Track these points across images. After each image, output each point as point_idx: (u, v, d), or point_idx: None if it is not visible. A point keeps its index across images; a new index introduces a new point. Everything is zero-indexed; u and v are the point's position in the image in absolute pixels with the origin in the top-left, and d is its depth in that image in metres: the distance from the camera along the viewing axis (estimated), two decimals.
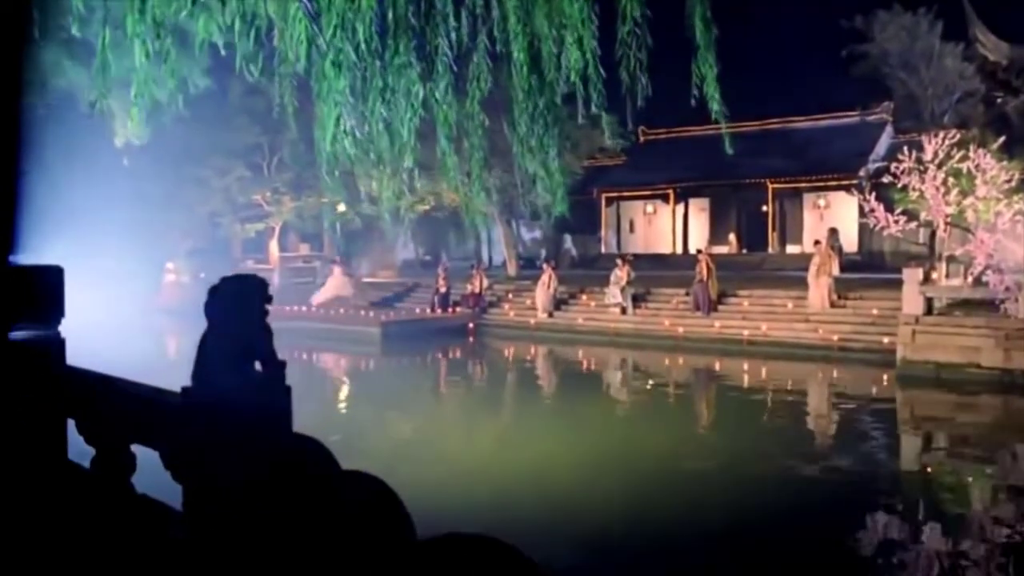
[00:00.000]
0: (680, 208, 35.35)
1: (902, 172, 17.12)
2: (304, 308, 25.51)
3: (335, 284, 26.59)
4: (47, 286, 3.62)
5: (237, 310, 2.47)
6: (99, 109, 4.37)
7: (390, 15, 3.91)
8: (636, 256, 28.02)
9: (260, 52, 4.15)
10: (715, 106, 4.87)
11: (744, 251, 33.80)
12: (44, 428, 3.50)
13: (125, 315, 24.01)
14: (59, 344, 3.67)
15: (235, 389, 2.38)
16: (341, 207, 28.50)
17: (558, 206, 5.22)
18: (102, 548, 2.93)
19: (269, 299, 2.56)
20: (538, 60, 4.54)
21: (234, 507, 2.25)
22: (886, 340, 16.75)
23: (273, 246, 31.68)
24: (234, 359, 2.44)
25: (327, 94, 3.89)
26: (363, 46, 3.74)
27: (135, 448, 3.08)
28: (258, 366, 2.52)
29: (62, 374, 3.54)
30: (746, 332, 19.26)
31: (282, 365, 2.56)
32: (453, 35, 4.46)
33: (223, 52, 4.55)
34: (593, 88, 4.58)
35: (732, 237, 34.58)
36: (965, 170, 16.37)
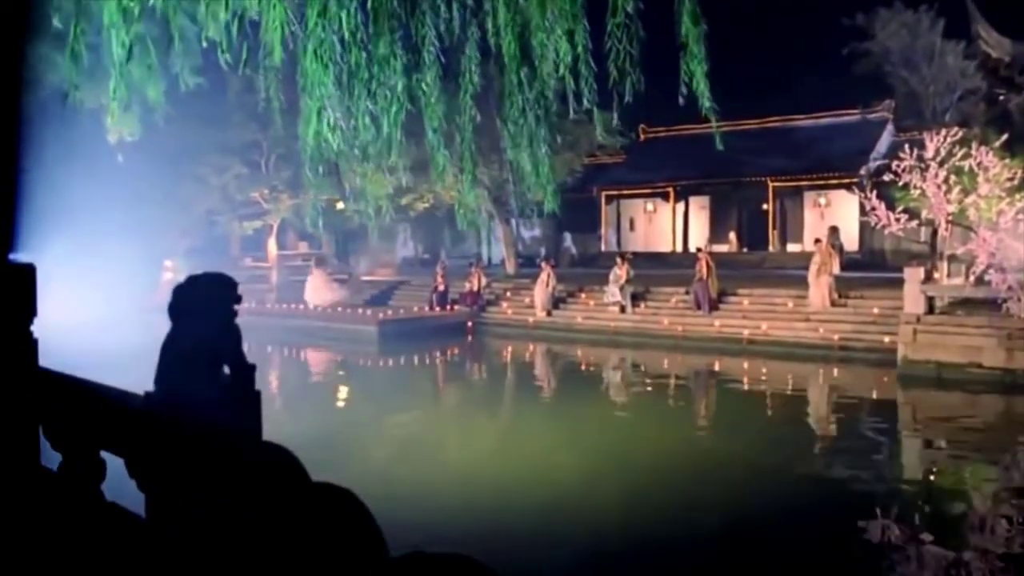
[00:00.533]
0: (680, 206, 35.21)
1: (903, 170, 16.98)
2: (302, 306, 25.42)
3: (313, 286, 26.29)
4: (18, 285, 3.48)
5: (204, 311, 2.35)
6: (72, 100, 4.25)
7: (371, 3, 3.77)
8: (636, 254, 27.88)
9: (244, 44, 4.02)
10: (705, 103, 4.74)
11: (744, 250, 33.68)
12: (14, 433, 3.38)
13: (123, 313, 23.89)
14: (31, 345, 3.54)
15: (200, 395, 2.26)
16: (340, 205, 28.33)
17: (549, 202, 5.08)
18: (64, 560, 2.80)
19: (238, 299, 2.43)
20: (528, 53, 4.41)
21: (196, 519, 2.12)
22: (887, 339, 16.60)
23: (271, 244, 31.53)
24: (200, 363, 2.31)
25: (311, 87, 3.76)
26: (347, 36, 3.61)
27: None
28: (226, 370, 2.40)
29: (33, 377, 3.41)
30: (746, 331, 19.13)
31: (251, 369, 2.43)
32: (442, 26, 4.33)
33: (204, 44, 4.42)
34: (584, 83, 4.45)
35: (732, 235, 34.46)
36: (967, 168, 16.22)
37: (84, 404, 2.98)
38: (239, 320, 2.53)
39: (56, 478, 3.28)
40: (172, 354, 2.31)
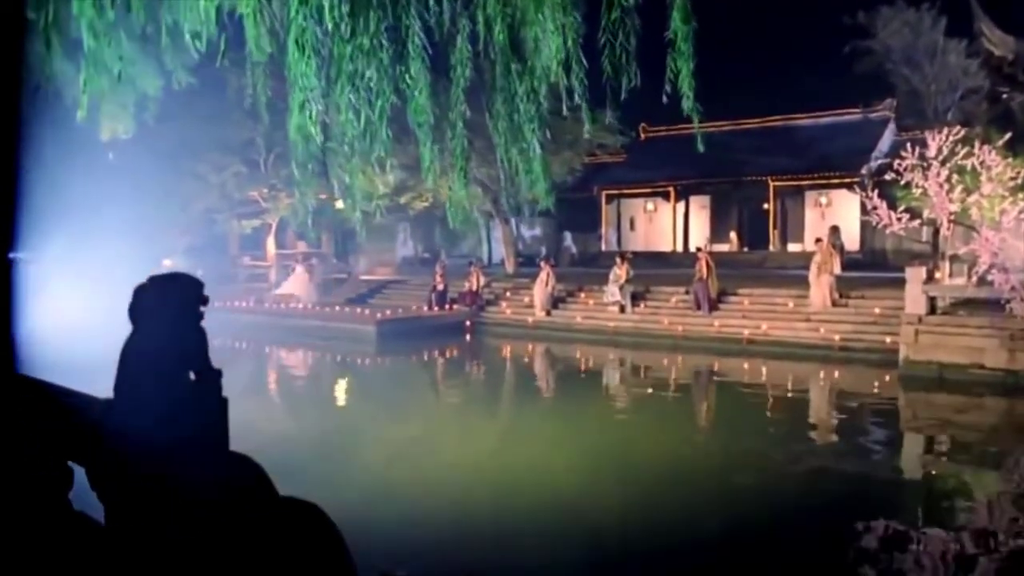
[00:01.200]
0: (681, 206, 35.09)
1: (905, 169, 16.85)
2: (300, 306, 25.35)
3: (294, 282, 26.92)
4: None
5: (167, 313, 2.22)
6: (44, 91, 4.13)
7: None
8: (636, 254, 27.77)
9: (222, 36, 3.90)
10: (687, 103, 4.64)
11: (745, 249, 33.56)
12: None
13: (122, 312, 23.76)
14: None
15: (161, 403, 2.12)
16: (339, 204, 28.20)
17: (543, 200, 4.97)
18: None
19: (205, 300, 2.30)
20: (519, 46, 4.29)
21: (152, 536, 2.00)
22: (888, 340, 16.49)
23: (270, 243, 31.45)
24: (162, 369, 2.18)
25: (293, 79, 3.64)
26: (330, 26, 3.48)
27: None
28: (192, 376, 2.27)
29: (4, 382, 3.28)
30: (746, 331, 19.00)
31: (217, 375, 2.30)
32: (432, 18, 4.21)
33: (187, 37, 4.29)
34: (575, 78, 4.34)
35: (733, 235, 34.35)
36: (969, 167, 16.08)
37: (50, 410, 2.85)
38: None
39: (26, 487, 3.16)
40: (132, 360, 2.18)
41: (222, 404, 2.25)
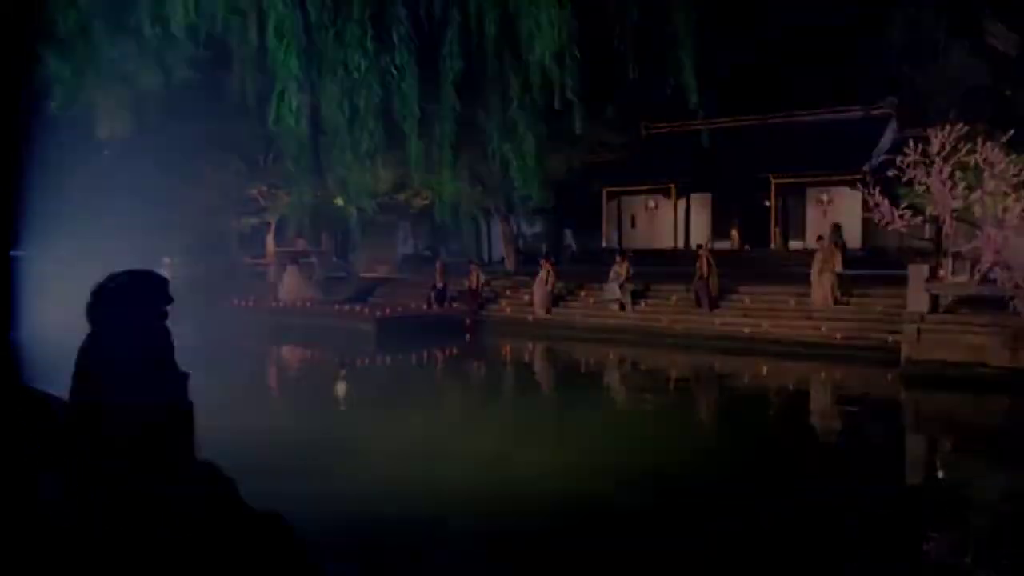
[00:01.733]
0: (682, 203, 34.92)
1: (907, 166, 16.71)
2: (299, 303, 25.29)
3: (288, 284, 26.66)
4: None
5: (129, 313, 2.10)
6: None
7: None
8: (637, 251, 27.66)
9: (202, 28, 3.79)
10: (692, 97, 4.57)
11: (746, 247, 33.40)
12: None
13: None
14: None
15: (122, 409, 2.01)
16: (339, 201, 28.12)
17: (536, 194, 4.89)
18: None
19: (169, 300, 2.18)
20: (511, 39, 4.19)
21: (114, 544, 1.89)
22: (890, 338, 16.37)
23: (270, 241, 31.36)
24: (124, 371, 2.07)
25: (274, 69, 3.54)
26: (313, 16, 3.39)
27: None
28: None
29: None
30: (747, 329, 18.89)
31: (184, 378, 2.18)
32: (420, 8, 4.11)
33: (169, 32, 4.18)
34: (568, 73, 4.25)
35: (734, 233, 34.19)
36: (972, 164, 15.95)
37: (26, 416, 2.75)
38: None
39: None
40: (90, 363, 2.06)
41: (188, 409, 2.13)
